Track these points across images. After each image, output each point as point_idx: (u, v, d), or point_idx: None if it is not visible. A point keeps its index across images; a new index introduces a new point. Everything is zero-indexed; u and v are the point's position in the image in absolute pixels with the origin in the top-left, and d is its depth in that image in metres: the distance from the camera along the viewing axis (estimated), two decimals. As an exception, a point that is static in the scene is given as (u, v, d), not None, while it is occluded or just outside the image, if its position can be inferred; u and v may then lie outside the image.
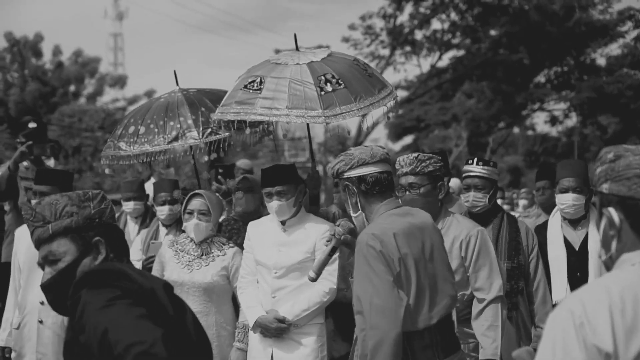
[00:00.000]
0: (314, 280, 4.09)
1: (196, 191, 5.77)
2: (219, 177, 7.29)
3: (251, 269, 5.41)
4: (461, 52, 30.53)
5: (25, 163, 6.99)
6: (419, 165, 4.71)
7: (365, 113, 5.45)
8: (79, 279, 2.59)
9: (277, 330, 5.18)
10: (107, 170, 6.58)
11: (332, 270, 5.10)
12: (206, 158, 6.81)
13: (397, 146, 43.81)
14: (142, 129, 6.27)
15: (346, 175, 3.87)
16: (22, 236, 5.81)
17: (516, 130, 42.80)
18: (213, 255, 5.60)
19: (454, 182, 8.99)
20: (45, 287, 2.74)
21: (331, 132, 38.36)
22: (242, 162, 9.26)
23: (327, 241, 4.02)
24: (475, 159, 5.78)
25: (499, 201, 8.76)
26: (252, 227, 5.50)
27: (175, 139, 6.10)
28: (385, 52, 29.86)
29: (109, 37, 61.63)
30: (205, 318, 5.41)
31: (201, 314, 5.35)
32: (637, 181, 2.05)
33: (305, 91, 5.31)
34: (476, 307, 4.69)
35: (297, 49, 5.92)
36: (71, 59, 35.12)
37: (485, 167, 5.66)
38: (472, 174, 5.61)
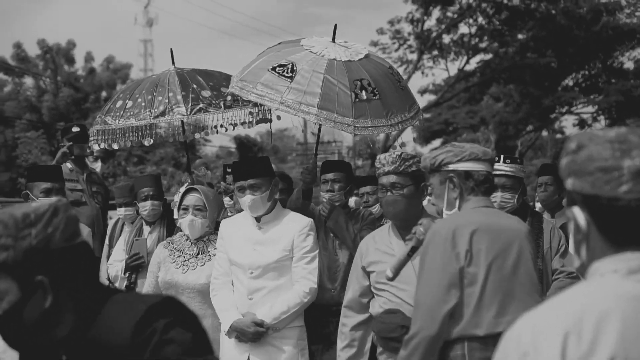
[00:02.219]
0: (391, 279, 3.82)
1: (191, 186, 5.55)
2: (227, 176, 7.07)
3: (225, 269, 5.09)
4: (489, 56, 30.55)
5: (69, 165, 7.25)
6: (403, 164, 4.44)
7: (393, 130, 5.35)
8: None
9: (254, 334, 4.86)
10: (95, 146, 6.39)
11: (311, 269, 4.97)
12: (185, 178, 6.62)
13: (425, 150, 43.85)
14: (129, 103, 6.08)
15: (452, 167, 3.64)
16: None
17: (544, 133, 42.68)
18: (209, 254, 5.30)
19: None
20: None
21: (360, 136, 38.57)
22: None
23: (407, 239, 3.80)
24: (502, 157, 5.47)
25: None
26: (225, 224, 5.20)
27: (162, 113, 5.91)
28: (413, 56, 29.97)
29: (139, 44, 62.24)
30: (200, 321, 5.16)
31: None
32: (601, 176, 1.68)
33: (339, 94, 5.12)
34: None
35: (333, 40, 5.60)
36: (103, 65, 35.56)
37: (513, 165, 5.40)
38: (499, 172, 5.22)
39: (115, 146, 6.27)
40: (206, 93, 6.00)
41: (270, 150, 41.06)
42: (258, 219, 5.05)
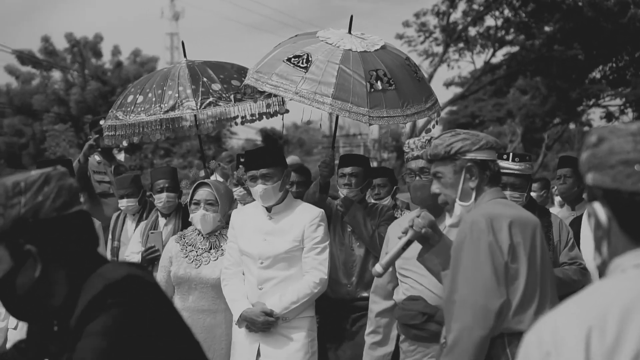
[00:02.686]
0: (379, 275, 3.71)
1: (203, 180, 5.51)
2: (240, 166, 6.96)
3: (235, 259, 5.08)
4: (515, 49, 30.41)
5: (97, 158, 7.33)
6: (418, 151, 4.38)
7: (409, 121, 5.31)
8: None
9: (264, 324, 4.85)
10: (107, 142, 6.35)
11: (322, 260, 4.94)
12: (202, 174, 6.62)
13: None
14: (140, 98, 6.05)
15: (470, 156, 3.47)
16: None
17: (572, 126, 42.43)
18: (222, 249, 5.27)
19: None
20: None
21: (386, 129, 38.40)
22: (291, 159, 8.82)
23: (403, 233, 3.60)
24: (511, 154, 5.32)
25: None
26: (236, 214, 5.21)
27: (172, 108, 5.87)
28: (439, 49, 29.92)
29: (166, 37, 62.55)
30: (213, 316, 5.18)
31: (209, 311, 5.17)
32: (622, 169, 1.62)
33: (354, 83, 5.09)
34: None
35: (349, 32, 5.58)
36: (130, 58, 35.72)
37: (522, 163, 5.26)
38: (508, 171, 5.14)
39: (125, 142, 6.30)
40: (216, 86, 5.96)
41: (296, 143, 41.14)
42: (269, 209, 5.04)
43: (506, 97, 37.22)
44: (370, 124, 5.14)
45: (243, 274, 5.08)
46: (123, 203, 6.81)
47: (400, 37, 29.53)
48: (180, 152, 31.95)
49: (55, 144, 30.24)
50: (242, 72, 6.15)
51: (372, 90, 5.12)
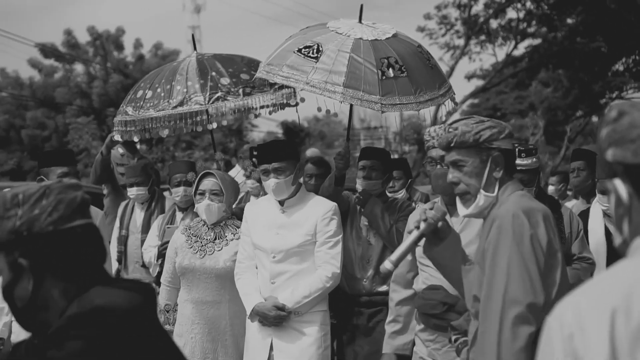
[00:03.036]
0: (389, 272, 3.40)
1: (208, 170, 5.45)
2: (253, 159, 6.91)
3: (249, 253, 5.07)
4: (537, 41, 30.22)
5: (120, 150, 7.37)
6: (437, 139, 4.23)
7: (422, 108, 5.19)
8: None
9: (275, 318, 4.83)
10: (116, 137, 6.38)
11: (334, 254, 4.91)
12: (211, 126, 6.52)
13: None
14: (149, 93, 6.05)
15: (496, 144, 3.36)
16: None
17: (594, 119, 42.21)
18: (227, 239, 5.26)
19: None
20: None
21: (407, 122, 38.28)
22: (310, 151, 8.95)
23: (415, 227, 3.41)
24: (517, 150, 5.16)
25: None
26: (250, 208, 5.20)
27: (180, 104, 5.86)
28: (460, 41, 29.77)
29: (188, 30, 62.59)
30: (217, 306, 5.16)
31: (213, 302, 5.15)
32: None
33: (365, 72, 5.05)
34: None
35: (360, 21, 5.53)
36: (151, 51, 35.91)
37: (529, 158, 5.22)
38: (519, 168, 4.95)
39: (135, 138, 6.30)
40: (225, 80, 5.94)
41: (317, 136, 41.14)
42: (282, 203, 5.03)
43: (528, 90, 37.05)
44: (382, 112, 5.07)
45: (256, 268, 5.07)
46: (132, 191, 6.87)
47: (421, 29, 29.41)
48: (202, 145, 32.02)
49: (78, 136, 30.46)
50: (252, 65, 6.16)
51: (384, 77, 5.08)
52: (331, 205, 5.00)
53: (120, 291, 2.13)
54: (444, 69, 28.94)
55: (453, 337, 3.63)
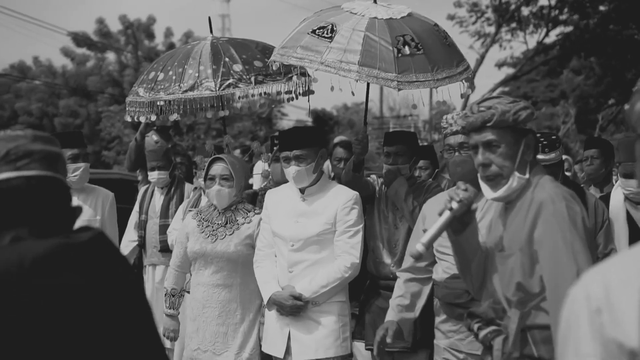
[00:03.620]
0: (419, 255, 3.22)
1: (217, 155, 5.38)
2: (274, 147, 6.75)
3: (268, 241, 5.00)
4: (569, 28, 29.99)
5: (155, 137, 7.41)
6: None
7: (439, 85, 5.06)
8: None
9: (292, 308, 4.75)
10: (127, 118, 6.33)
11: (354, 244, 4.79)
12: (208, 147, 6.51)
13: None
14: (161, 75, 6.00)
15: (529, 126, 3.33)
16: None
17: (627, 107, 41.77)
18: (238, 224, 5.18)
19: None
20: None
21: (437, 110, 38.14)
22: (338, 139, 8.68)
23: (448, 208, 3.25)
24: (540, 146, 5.07)
25: None
26: (270, 195, 5.12)
27: (191, 88, 5.79)
28: (491, 29, 29.62)
29: (217, 19, 62.78)
30: (228, 290, 5.10)
31: (224, 286, 5.10)
32: None
33: (381, 50, 4.96)
34: None
35: (375, 1, 5.46)
36: (182, 40, 36.05)
37: (552, 152, 5.08)
38: (543, 163, 4.70)
39: (142, 119, 6.22)
40: (237, 67, 5.85)
41: (347, 124, 41.13)
42: (302, 191, 4.93)
43: (559, 78, 36.80)
44: (399, 89, 4.96)
45: (275, 256, 4.99)
46: (154, 175, 6.89)
47: (451, 17, 29.28)
48: (231, 132, 32.21)
49: (110, 124, 30.71)
50: (266, 52, 6.06)
51: (400, 55, 4.97)
52: (352, 194, 4.89)
53: (52, 241, 1.92)
54: (474, 57, 28.93)
55: (475, 326, 3.42)
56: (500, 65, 33.17)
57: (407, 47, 5.01)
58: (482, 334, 3.37)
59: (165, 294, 5.46)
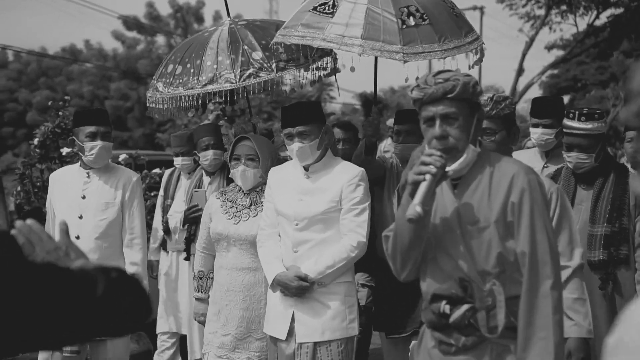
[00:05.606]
0: (420, 216, 2.96)
1: (243, 135, 5.20)
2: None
3: (272, 220, 4.78)
4: (619, 10, 29.67)
5: (223, 130, 7.19)
6: (495, 107, 3.95)
7: (447, 56, 4.87)
8: None
9: (297, 289, 4.53)
10: (153, 114, 6.16)
11: (361, 222, 4.59)
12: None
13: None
14: (179, 69, 5.76)
15: (480, 99, 3.37)
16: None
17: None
18: (262, 205, 4.97)
19: None
20: None
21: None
22: (390, 122, 8.30)
23: (416, 173, 3.08)
24: (577, 113, 4.82)
25: None
26: (273, 173, 4.88)
27: (210, 81, 5.56)
28: (541, 12, 29.41)
29: (265, 1, 62.99)
30: (253, 273, 4.93)
31: (249, 269, 4.94)
32: None
33: (385, 22, 4.77)
34: None
35: None
36: (231, 23, 36.29)
37: (589, 122, 4.77)
38: (575, 132, 4.77)
39: (156, 116, 6.10)
40: (257, 55, 5.59)
41: (394, 108, 41.14)
42: (306, 168, 4.72)
43: (609, 60, 36.40)
44: (405, 62, 4.72)
45: (279, 236, 4.78)
46: (178, 161, 6.66)
47: (501, 0, 29.15)
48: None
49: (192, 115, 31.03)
50: None
51: (405, 26, 4.79)
52: (358, 170, 4.67)
53: None
54: (524, 39, 28.78)
55: (446, 307, 3.19)
56: (550, 47, 32.93)
57: (411, 18, 4.82)
58: (457, 314, 3.17)
59: (194, 277, 5.36)
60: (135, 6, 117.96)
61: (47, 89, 38.22)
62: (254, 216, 4.95)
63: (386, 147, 8.17)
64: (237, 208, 5.01)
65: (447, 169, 3.10)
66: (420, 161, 3.09)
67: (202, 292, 5.26)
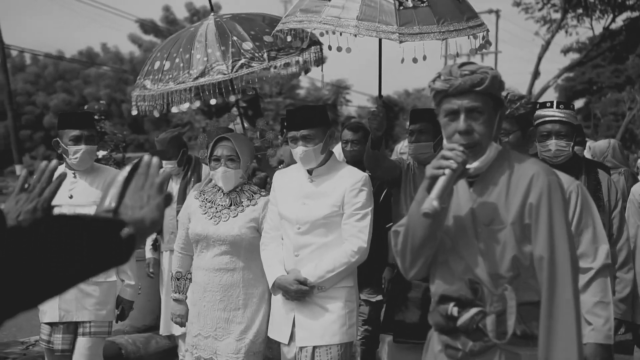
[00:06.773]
0: (436, 210, 2.74)
1: (222, 135, 5.07)
2: (284, 130, 6.38)
3: (275, 223, 4.76)
4: (636, 14, 29.65)
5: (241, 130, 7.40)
6: (509, 106, 3.77)
7: (446, 38, 4.78)
8: None
9: (297, 292, 4.53)
10: (133, 112, 6.05)
11: (362, 227, 4.55)
12: (233, 98, 6.20)
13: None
14: (167, 64, 5.70)
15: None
16: None
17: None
18: (242, 206, 4.94)
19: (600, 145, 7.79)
20: None
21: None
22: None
23: (436, 167, 2.92)
24: (555, 102, 4.79)
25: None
26: (278, 176, 4.88)
27: (202, 74, 5.52)
28: (557, 15, 29.43)
29: (279, 4, 63.16)
30: (230, 274, 4.88)
31: (226, 269, 4.89)
32: None
33: (381, 3, 4.71)
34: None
35: None
36: (246, 27, 36.39)
37: (566, 111, 4.72)
38: (553, 118, 4.67)
39: (155, 113, 5.96)
40: (247, 45, 5.57)
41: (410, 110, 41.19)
42: (310, 172, 4.68)
43: (625, 64, 36.37)
44: (400, 42, 4.63)
45: (282, 239, 4.76)
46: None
47: (517, 4, 29.20)
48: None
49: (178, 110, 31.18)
50: (274, 24, 5.67)
51: (402, 7, 4.72)
52: (361, 175, 4.62)
53: None
54: (540, 42, 28.78)
55: (454, 310, 3.09)
56: (566, 51, 32.93)
57: (410, 0, 4.75)
58: (465, 317, 3.05)
59: (171, 278, 5.33)
60: (152, 10, 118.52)
61: (64, 92, 38.52)
62: (234, 217, 4.90)
63: (402, 149, 8.19)
64: (216, 208, 4.96)
65: (468, 166, 2.95)
66: (440, 155, 2.94)
67: (179, 292, 5.23)
